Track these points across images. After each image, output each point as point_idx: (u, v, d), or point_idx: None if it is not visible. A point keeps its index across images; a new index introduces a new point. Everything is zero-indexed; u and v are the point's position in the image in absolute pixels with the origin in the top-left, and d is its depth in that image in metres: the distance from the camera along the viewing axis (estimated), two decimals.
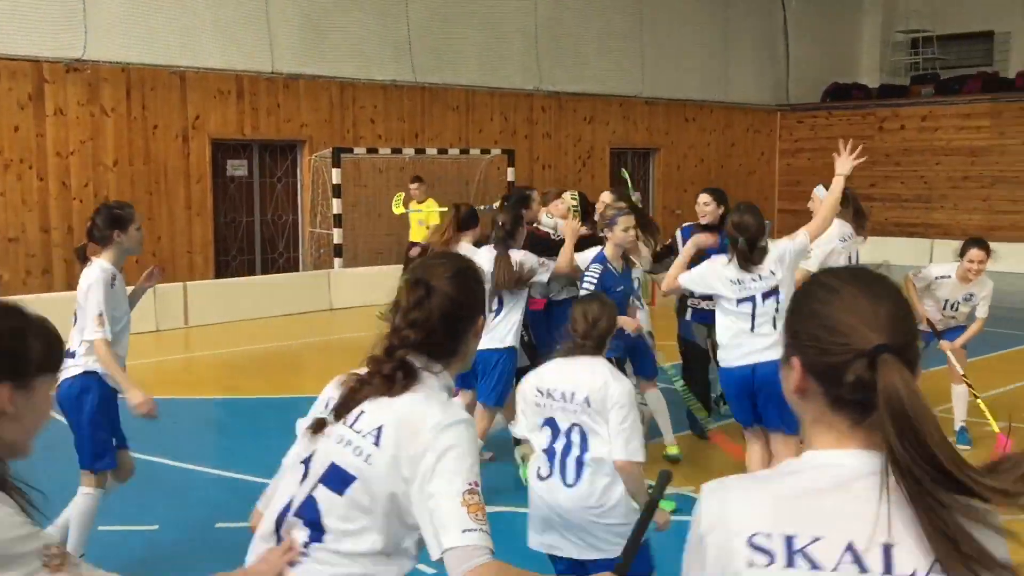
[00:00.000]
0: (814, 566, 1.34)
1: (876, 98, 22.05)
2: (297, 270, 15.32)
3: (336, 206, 14.57)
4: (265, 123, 14.75)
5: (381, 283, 13.49)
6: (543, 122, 18.17)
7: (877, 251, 19.72)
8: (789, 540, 1.36)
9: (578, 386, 3.54)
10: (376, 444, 2.07)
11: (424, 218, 12.56)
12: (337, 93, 15.38)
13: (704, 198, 6.90)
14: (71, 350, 4.37)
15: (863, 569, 1.33)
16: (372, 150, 15.37)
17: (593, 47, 18.65)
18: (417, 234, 12.52)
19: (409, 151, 15.72)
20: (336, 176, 14.53)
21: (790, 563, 1.35)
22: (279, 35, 14.62)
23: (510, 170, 16.69)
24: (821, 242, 5.80)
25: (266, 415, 8.16)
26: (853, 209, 6.60)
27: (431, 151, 15.96)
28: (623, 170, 9.83)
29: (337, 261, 14.55)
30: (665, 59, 19.85)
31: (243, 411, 8.52)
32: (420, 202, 13.04)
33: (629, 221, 5.73)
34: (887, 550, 1.34)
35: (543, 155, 18.20)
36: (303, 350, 11.14)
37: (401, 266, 15.42)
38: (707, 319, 6.34)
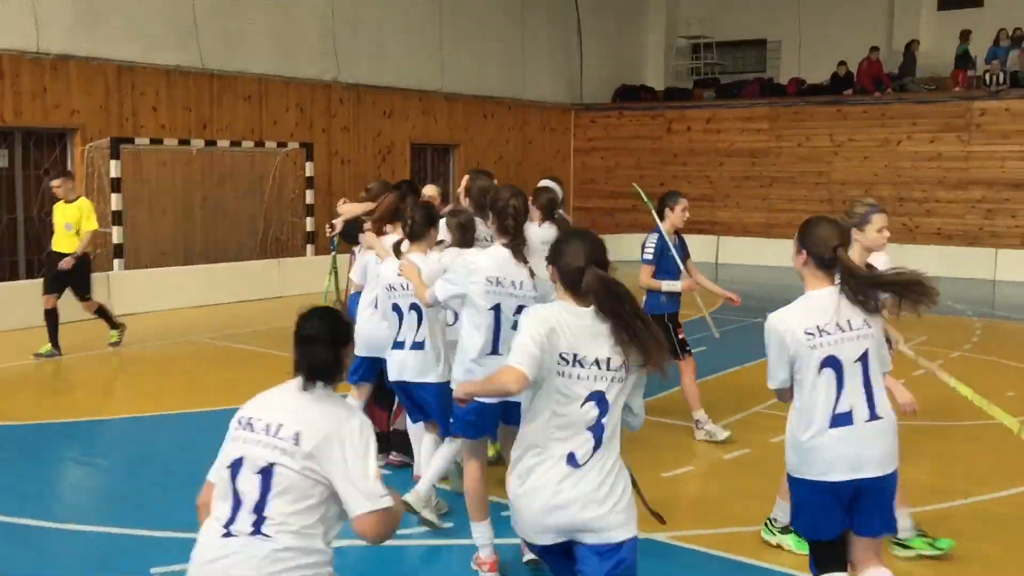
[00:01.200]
0: (828, 333, 3.62)
1: (663, 100, 22.85)
2: None
3: (115, 202, 13.26)
4: (29, 108, 13.19)
5: (167, 286, 12.31)
6: (342, 115, 17.44)
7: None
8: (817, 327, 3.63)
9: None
10: None
11: (75, 221, 9.92)
12: (114, 77, 14.00)
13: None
14: None
15: (842, 329, 3.62)
16: (156, 141, 14.12)
17: (392, 38, 18.11)
18: (64, 242, 9.97)
19: (198, 143, 14.58)
20: (115, 169, 13.22)
21: (822, 335, 3.61)
22: (46, 10, 13.11)
23: (308, 165, 15.88)
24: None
25: (32, 442, 7.15)
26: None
27: (223, 143, 14.89)
28: (635, 185, 9.34)
29: (117, 263, 13.25)
30: (464, 54, 19.62)
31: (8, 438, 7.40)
32: (69, 201, 10.03)
33: (883, 220, 4.76)
34: (842, 323, 3.63)
35: (342, 149, 17.49)
36: (76, 365, 9.93)
37: (187, 266, 14.38)
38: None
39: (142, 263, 13.91)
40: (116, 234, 13.27)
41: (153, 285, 13.20)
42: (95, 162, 13.57)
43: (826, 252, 3.61)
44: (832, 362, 3.56)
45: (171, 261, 14.43)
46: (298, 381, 2.95)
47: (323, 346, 2.93)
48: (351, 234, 6.88)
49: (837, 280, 3.62)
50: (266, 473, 2.81)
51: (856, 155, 19.42)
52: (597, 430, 3.16)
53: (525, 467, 3.20)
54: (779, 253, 20.00)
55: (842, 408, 3.57)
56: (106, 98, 13.93)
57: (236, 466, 2.86)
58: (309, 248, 15.79)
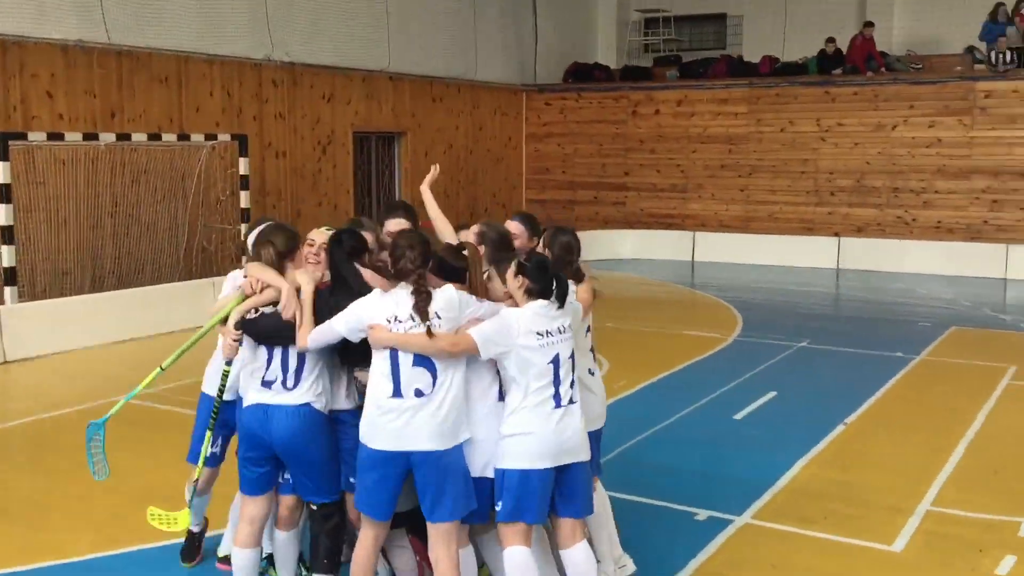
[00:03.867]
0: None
1: (620, 80, 20.79)
2: None
3: (3, 214, 10.47)
4: None
5: (73, 320, 9.48)
6: (275, 100, 14.80)
7: (642, 245, 18.25)
8: None
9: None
10: None
11: None
12: None
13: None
14: None
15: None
16: (54, 135, 11.31)
17: (332, 11, 15.51)
18: None
19: (106, 136, 11.81)
20: (2, 172, 10.42)
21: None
22: None
23: (242, 161, 13.23)
24: None
25: None
26: None
27: (138, 136, 12.14)
28: None
29: (9, 292, 10.47)
30: (411, 29, 17.15)
31: None
32: None
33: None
34: None
35: (276, 140, 14.85)
36: None
37: (96, 293, 11.64)
38: None
39: (38, 291, 11.14)
40: (5, 255, 10.48)
41: (55, 320, 10.47)
42: None
43: None
44: None
45: (74, 286, 11.68)
46: None
47: None
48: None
49: None
50: None
51: (846, 141, 17.73)
52: None
53: None
54: (759, 250, 18.26)
55: None
56: None
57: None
58: (245, 260, 13.16)
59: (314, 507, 4.30)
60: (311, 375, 4.22)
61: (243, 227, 13.20)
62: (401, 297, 4.04)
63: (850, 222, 17.82)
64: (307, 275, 4.25)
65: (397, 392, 3.99)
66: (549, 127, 20.65)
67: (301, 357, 4.18)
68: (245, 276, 4.33)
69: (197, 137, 12.84)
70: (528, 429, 4.03)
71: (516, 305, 4.17)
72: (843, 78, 17.84)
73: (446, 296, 4.08)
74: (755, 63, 19.59)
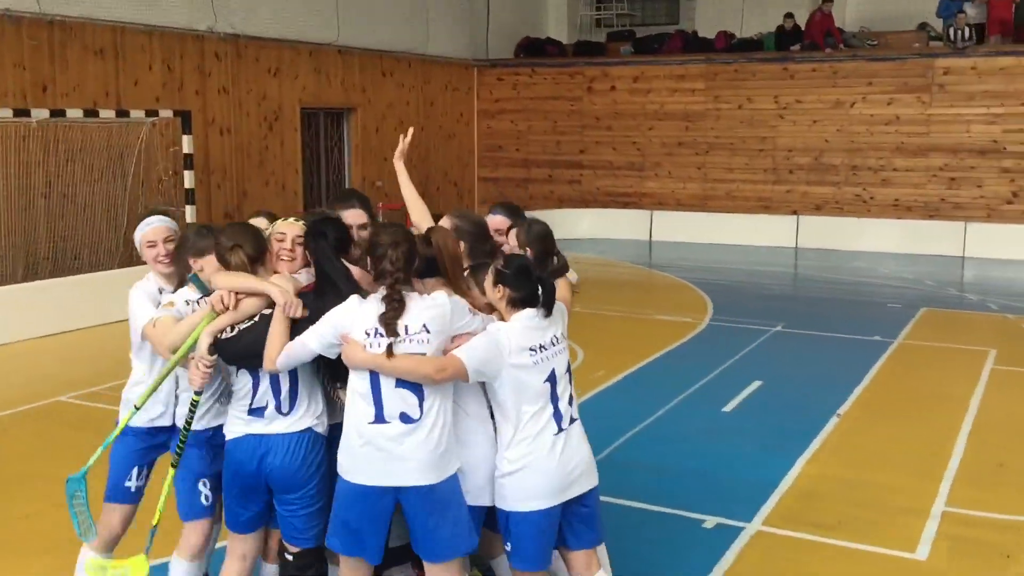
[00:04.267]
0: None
1: (573, 55, 20.31)
2: None
3: None
4: None
5: (4, 310, 7.96)
6: (219, 74, 14.01)
7: (599, 224, 17.86)
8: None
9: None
10: None
11: None
12: None
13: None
14: None
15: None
16: None
17: None
18: None
19: (39, 113, 10.97)
20: None
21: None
22: None
23: (186, 138, 12.46)
24: None
25: None
26: None
27: (72, 112, 11.30)
28: None
29: None
30: (360, 1, 16.42)
31: None
32: None
33: None
34: None
35: (220, 116, 14.07)
36: None
37: (30, 282, 10.81)
38: None
39: None
40: None
41: None
42: None
43: None
44: None
45: (5, 274, 10.87)
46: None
47: None
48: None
49: None
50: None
51: (804, 119, 17.52)
52: None
53: None
54: (717, 229, 18.01)
55: None
56: None
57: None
58: None
59: (290, 555, 3.66)
60: (307, 394, 3.62)
61: (188, 210, 12.48)
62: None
63: (808, 200, 17.64)
64: (284, 278, 3.63)
65: (380, 417, 3.41)
66: (502, 103, 20.09)
67: (293, 375, 3.58)
68: (203, 293, 3.72)
69: (137, 113, 12.02)
70: (528, 464, 3.49)
71: (502, 318, 3.63)
72: (802, 54, 17.60)
73: (436, 305, 3.49)
74: (710, 39, 19.25)
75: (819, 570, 4.86)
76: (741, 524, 5.33)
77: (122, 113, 11.94)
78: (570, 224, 18.80)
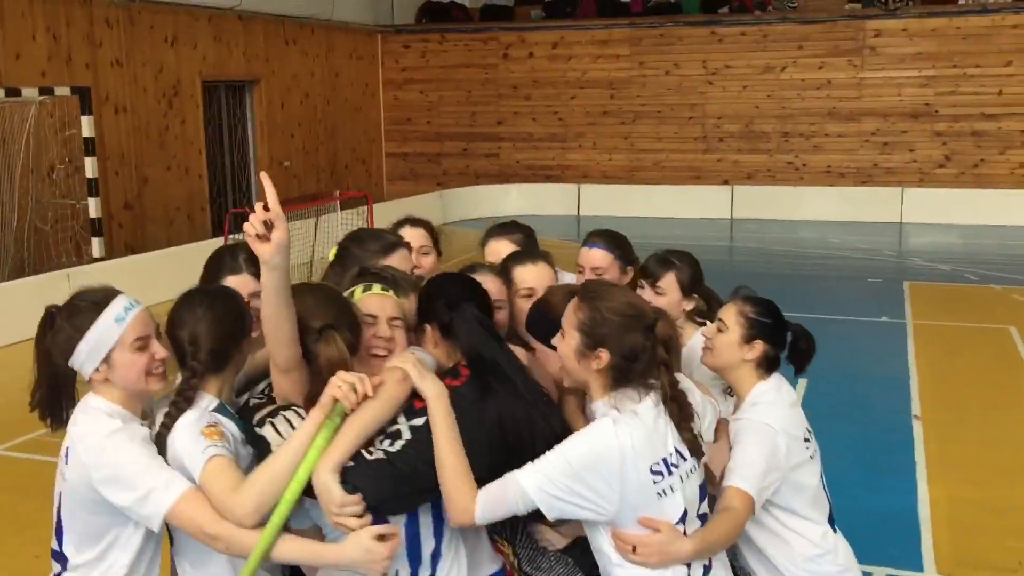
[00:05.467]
0: None
1: (480, 19, 19.09)
2: None
3: None
4: None
5: None
6: (110, 44, 12.14)
7: (525, 200, 16.81)
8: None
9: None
10: None
11: None
12: None
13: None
14: None
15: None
16: None
17: None
18: None
19: None
20: None
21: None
22: None
23: (84, 120, 10.66)
24: None
25: None
26: None
27: None
28: None
29: None
30: None
31: None
32: None
33: None
34: None
35: (114, 93, 12.22)
36: None
37: None
38: None
39: None
40: None
41: None
42: None
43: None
44: None
45: None
46: None
47: None
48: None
49: None
50: None
51: (734, 85, 16.93)
52: None
53: None
54: (647, 201, 17.28)
55: None
56: None
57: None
58: (97, 245, 10.68)
59: None
60: (453, 543, 2.34)
61: (91, 203, 10.72)
62: (649, 415, 2.26)
63: (740, 169, 17.13)
64: (413, 359, 2.26)
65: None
66: (409, 73, 18.70)
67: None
68: (314, 390, 2.19)
69: (30, 92, 10.16)
70: None
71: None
72: (730, 18, 16.97)
73: (695, 399, 2.41)
74: (626, 2, 18.41)
75: None
76: (914, 575, 4.48)
77: (12, 92, 10.06)
78: (494, 201, 17.72)
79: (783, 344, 2.72)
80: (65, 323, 2.21)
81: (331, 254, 2.97)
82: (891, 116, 16.20)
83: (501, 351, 2.30)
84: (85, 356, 2.20)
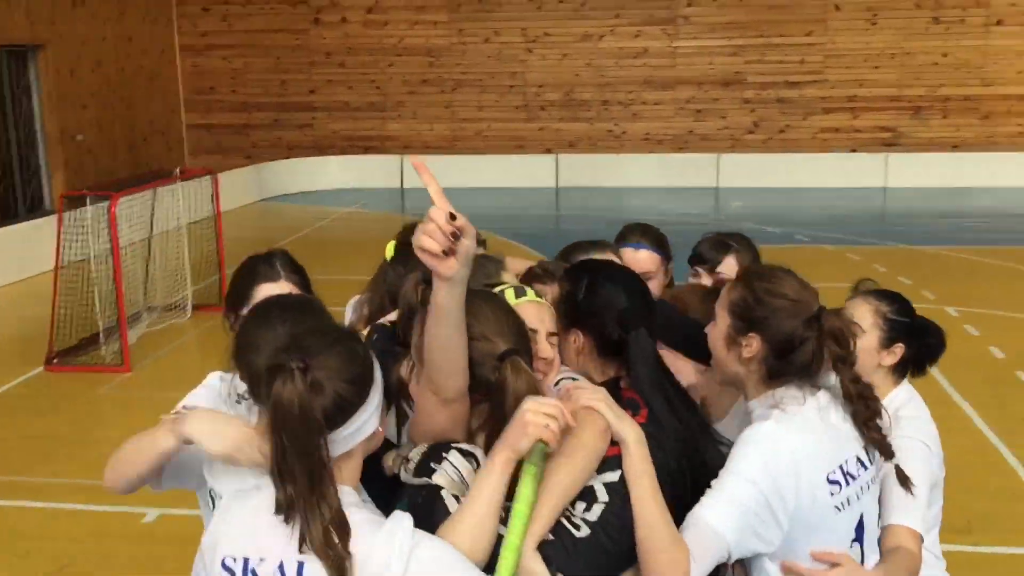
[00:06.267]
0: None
1: None
2: None
3: None
4: None
5: None
6: None
7: (347, 173, 16.19)
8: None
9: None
10: None
11: None
12: None
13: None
14: None
15: None
16: None
17: None
18: None
19: None
20: None
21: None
22: None
23: None
24: None
25: None
26: None
27: None
28: None
29: None
30: None
31: None
32: None
33: None
34: None
35: None
36: None
37: None
38: None
39: None
40: None
41: None
42: None
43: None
44: None
45: None
46: None
47: None
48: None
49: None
50: None
51: (554, 53, 16.89)
52: None
53: None
54: (466, 170, 16.99)
55: None
56: None
57: None
58: None
59: None
60: None
61: None
62: (817, 416, 1.97)
63: (562, 137, 17.16)
64: (620, 410, 1.81)
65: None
66: (210, 37, 17.38)
67: None
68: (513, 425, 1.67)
69: None
70: None
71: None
72: None
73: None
74: None
75: None
76: None
77: None
78: (311, 174, 16.89)
79: (921, 344, 2.48)
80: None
81: (389, 249, 2.48)
82: (704, 84, 16.73)
83: (675, 387, 1.93)
84: None
